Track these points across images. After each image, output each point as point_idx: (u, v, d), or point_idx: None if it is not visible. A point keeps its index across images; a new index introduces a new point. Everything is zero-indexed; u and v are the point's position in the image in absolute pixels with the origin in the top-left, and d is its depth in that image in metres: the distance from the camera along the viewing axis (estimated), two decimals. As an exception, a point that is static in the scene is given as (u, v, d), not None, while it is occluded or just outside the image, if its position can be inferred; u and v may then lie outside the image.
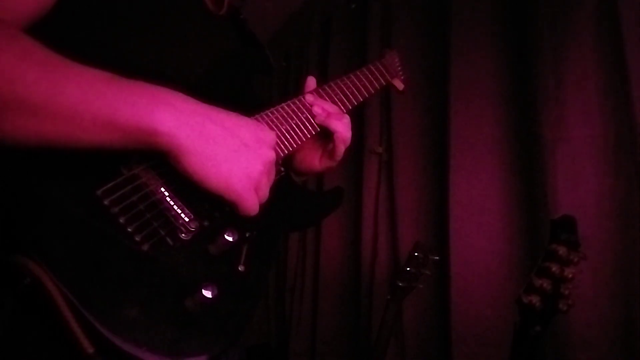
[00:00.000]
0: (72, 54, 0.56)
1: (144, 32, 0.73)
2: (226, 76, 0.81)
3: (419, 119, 2.07)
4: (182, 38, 0.77)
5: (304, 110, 0.89)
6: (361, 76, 1.02)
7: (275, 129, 0.82)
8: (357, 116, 2.27)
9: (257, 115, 0.81)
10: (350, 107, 0.98)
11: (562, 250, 1.02)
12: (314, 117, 0.90)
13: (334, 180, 2.32)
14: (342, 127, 0.91)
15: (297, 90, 0.95)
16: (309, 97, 0.91)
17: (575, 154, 1.51)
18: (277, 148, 0.79)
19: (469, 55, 1.82)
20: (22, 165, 0.56)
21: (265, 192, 0.68)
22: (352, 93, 0.99)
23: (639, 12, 1.41)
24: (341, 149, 0.94)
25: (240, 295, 0.67)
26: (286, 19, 3.12)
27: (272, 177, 0.71)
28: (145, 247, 0.60)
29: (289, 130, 0.85)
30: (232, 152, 0.62)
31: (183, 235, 0.64)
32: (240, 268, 0.69)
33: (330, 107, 0.93)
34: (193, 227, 0.64)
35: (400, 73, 1.12)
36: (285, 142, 0.83)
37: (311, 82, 0.96)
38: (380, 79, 1.06)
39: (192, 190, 0.64)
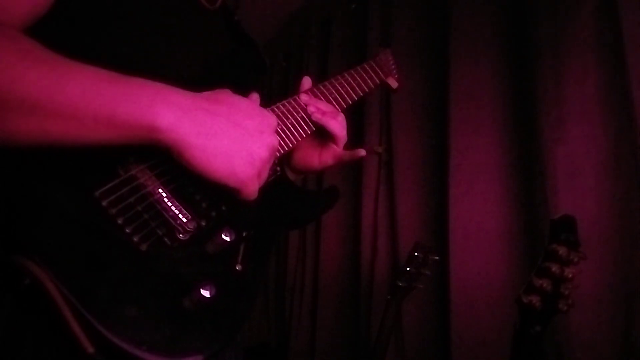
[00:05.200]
0: (70, 53, 0.56)
1: (139, 31, 0.73)
2: (221, 76, 0.81)
3: (418, 118, 2.07)
4: (177, 37, 0.78)
5: (299, 109, 0.90)
6: (355, 75, 1.03)
7: None
8: (357, 116, 2.27)
9: None
10: (345, 106, 0.99)
11: (562, 250, 1.02)
12: (309, 116, 0.90)
13: (334, 180, 2.33)
14: (337, 126, 0.92)
15: (297, 88, 0.96)
16: (304, 97, 0.92)
17: (575, 154, 1.51)
18: None
19: (468, 55, 1.82)
20: (22, 166, 0.56)
21: (265, 176, 0.68)
22: (347, 92, 0.99)
23: (639, 12, 1.40)
24: (338, 147, 0.94)
25: (238, 294, 0.68)
26: (286, 18, 3.12)
27: (272, 161, 0.70)
28: (143, 247, 0.60)
29: (284, 130, 0.85)
30: (235, 142, 0.62)
31: (181, 235, 0.64)
32: (238, 267, 0.69)
33: (325, 106, 0.93)
34: (191, 227, 0.64)
35: (395, 72, 1.13)
36: (281, 142, 0.84)
37: (306, 82, 0.96)
38: (375, 77, 1.07)
39: (190, 191, 0.64)
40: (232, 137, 0.62)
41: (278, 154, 0.83)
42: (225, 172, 0.61)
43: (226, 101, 0.65)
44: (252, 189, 0.65)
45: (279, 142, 0.82)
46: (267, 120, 0.68)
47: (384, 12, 2.30)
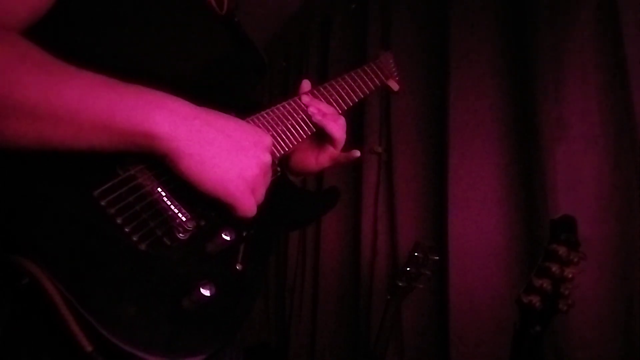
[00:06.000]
0: (70, 54, 0.56)
1: (138, 31, 0.73)
2: (221, 78, 0.81)
3: (418, 119, 2.07)
4: (177, 38, 0.78)
5: (300, 111, 0.90)
6: (356, 77, 1.03)
7: (271, 129, 0.83)
8: (357, 116, 2.27)
9: (252, 117, 0.82)
10: (346, 108, 0.99)
11: (562, 250, 1.02)
12: (309, 117, 0.90)
13: (334, 181, 2.33)
14: (337, 128, 0.92)
15: (297, 90, 0.96)
16: (305, 98, 0.92)
17: (575, 154, 1.50)
18: (273, 149, 0.79)
19: (468, 55, 1.82)
20: (21, 166, 0.56)
21: (261, 194, 0.69)
22: (347, 94, 0.99)
23: (639, 12, 1.40)
24: (336, 149, 0.94)
25: (238, 294, 0.68)
26: (286, 19, 3.12)
27: (269, 179, 0.71)
28: (142, 247, 0.60)
29: (285, 131, 0.85)
30: (228, 155, 0.63)
31: (180, 234, 0.64)
32: (238, 267, 0.69)
33: (326, 108, 0.94)
34: (190, 226, 0.64)
35: (395, 74, 1.14)
36: (282, 143, 0.84)
37: (306, 85, 0.96)
38: (375, 79, 1.07)
39: (189, 190, 0.64)
40: (225, 150, 0.63)
41: (278, 155, 0.83)
42: (217, 184, 0.62)
43: (221, 115, 0.66)
44: (247, 206, 0.65)
45: (275, 151, 0.82)
46: (261, 137, 0.68)
47: (384, 12, 2.30)
